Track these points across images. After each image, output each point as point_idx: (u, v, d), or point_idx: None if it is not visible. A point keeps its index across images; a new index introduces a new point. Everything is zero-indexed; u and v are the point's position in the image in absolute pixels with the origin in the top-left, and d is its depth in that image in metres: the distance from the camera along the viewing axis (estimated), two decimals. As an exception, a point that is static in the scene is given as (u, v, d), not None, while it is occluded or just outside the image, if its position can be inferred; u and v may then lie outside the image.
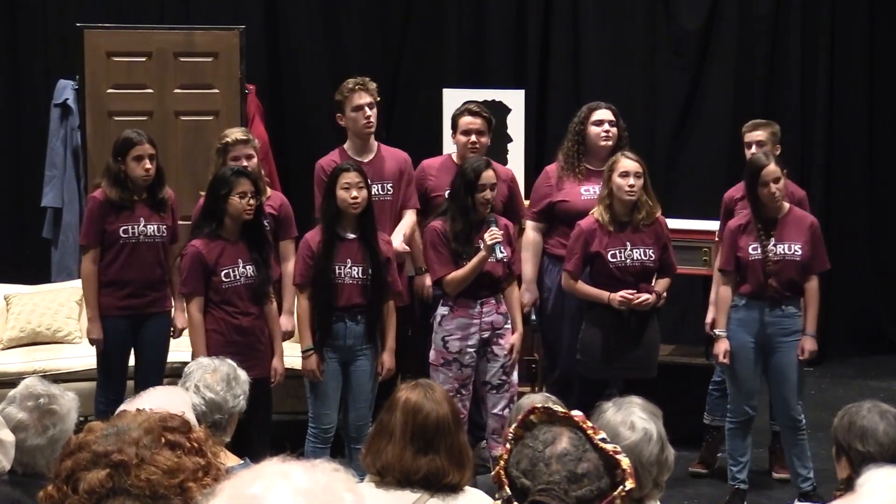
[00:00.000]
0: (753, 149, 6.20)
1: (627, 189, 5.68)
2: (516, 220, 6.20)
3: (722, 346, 5.77)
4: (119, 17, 8.29)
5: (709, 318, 6.33)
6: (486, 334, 5.75)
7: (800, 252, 5.74)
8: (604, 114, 6.25)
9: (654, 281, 5.88)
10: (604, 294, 5.73)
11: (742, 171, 6.46)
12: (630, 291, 5.70)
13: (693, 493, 6.14)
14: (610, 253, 5.73)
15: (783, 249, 5.73)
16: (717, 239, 6.41)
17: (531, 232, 6.28)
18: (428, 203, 6.27)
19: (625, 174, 5.69)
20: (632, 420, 2.96)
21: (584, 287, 5.82)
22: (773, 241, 5.72)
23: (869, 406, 3.63)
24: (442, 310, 5.77)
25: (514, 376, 5.87)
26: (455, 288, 5.71)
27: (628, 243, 5.75)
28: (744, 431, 5.85)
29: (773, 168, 5.70)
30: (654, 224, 5.80)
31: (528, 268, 6.21)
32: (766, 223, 5.74)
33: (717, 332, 5.80)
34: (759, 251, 5.71)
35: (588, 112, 6.28)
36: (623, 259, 5.74)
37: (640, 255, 5.76)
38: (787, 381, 5.79)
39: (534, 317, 6.41)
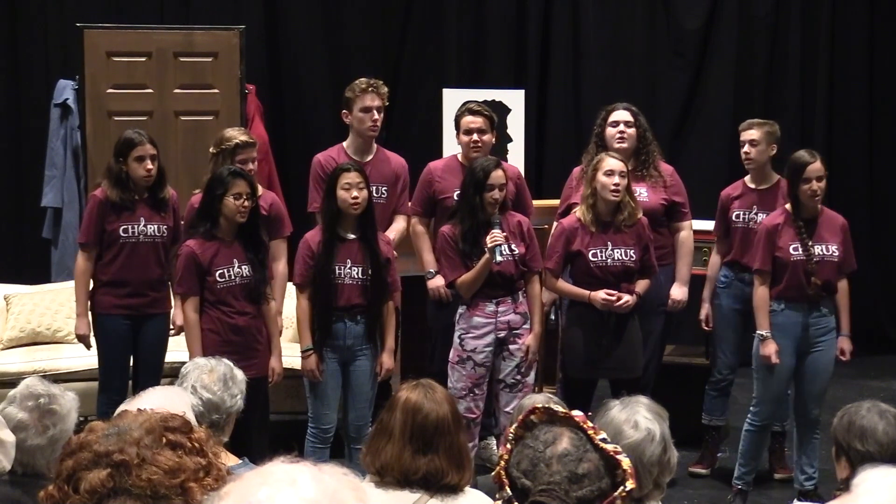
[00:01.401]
0: (747, 148, 6.22)
1: (612, 188, 5.66)
2: (525, 216, 6.19)
3: (772, 348, 5.67)
4: (119, 17, 8.29)
5: (702, 315, 6.31)
6: (502, 334, 5.74)
7: (837, 252, 5.70)
8: (620, 115, 6.23)
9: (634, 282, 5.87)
10: (584, 293, 5.71)
11: (741, 170, 6.47)
12: (611, 292, 5.68)
13: (693, 494, 6.14)
14: (591, 252, 5.71)
15: (822, 250, 5.68)
16: (715, 238, 6.40)
17: None
18: (436, 205, 6.25)
19: (609, 173, 5.67)
20: (636, 419, 2.96)
21: (564, 285, 5.82)
22: (810, 241, 5.68)
23: (868, 406, 3.63)
24: (460, 309, 5.78)
25: (531, 377, 5.85)
26: (467, 290, 5.71)
27: (609, 243, 5.73)
28: (763, 435, 5.84)
29: (818, 166, 5.67)
30: (636, 225, 5.78)
31: None
32: (806, 222, 5.70)
33: (762, 333, 5.71)
34: (801, 251, 5.67)
35: (606, 114, 6.28)
36: (604, 259, 5.72)
37: (620, 255, 5.74)
38: (819, 379, 5.76)
39: (552, 316, 6.40)
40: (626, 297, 5.68)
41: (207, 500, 1.56)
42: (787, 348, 5.70)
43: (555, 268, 5.79)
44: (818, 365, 5.74)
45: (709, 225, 6.71)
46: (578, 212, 5.77)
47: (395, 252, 6.07)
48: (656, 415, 3.00)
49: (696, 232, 6.63)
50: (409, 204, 6.29)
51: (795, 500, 5.70)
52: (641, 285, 5.83)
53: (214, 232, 5.51)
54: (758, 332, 5.76)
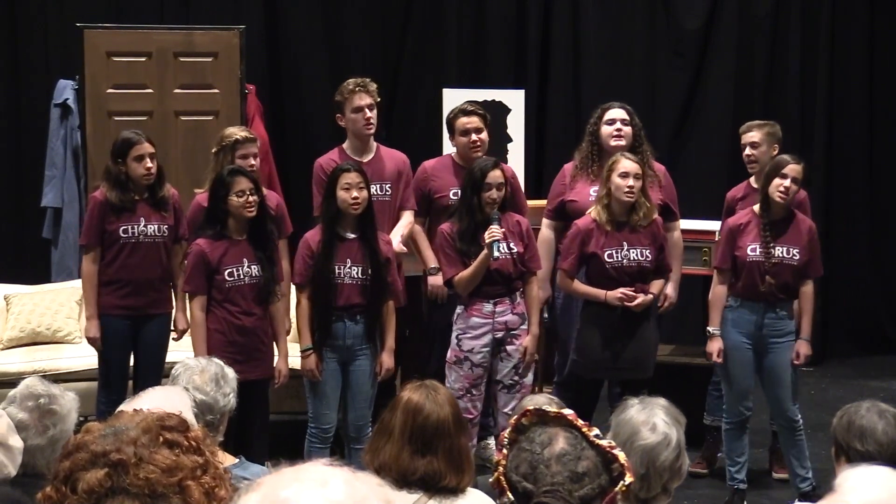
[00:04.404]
0: (748, 150, 6.22)
1: (626, 190, 5.67)
2: (520, 215, 6.19)
3: (715, 345, 5.77)
4: (119, 17, 8.29)
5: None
6: (499, 334, 5.73)
7: (797, 257, 5.74)
8: (616, 113, 6.23)
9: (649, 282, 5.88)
10: (600, 292, 5.72)
11: (741, 170, 6.47)
12: (628, 289, 5.69)
13: (693, 494, 6.14)
14: (606, 253, 5.72)
15: (782, 253, 5.72)
16: (716, 238, 6.40)
17: (545, 230, 6.27)
18: (431, 204, 6.26)
19: (624, 175, 5.68)
20: (654, 422, 2.94)
21: (579, 285, 5.82)
22: (772, 243, 5.71)
23: (868, 406, 3.63)
24: (458, 309, 5.77)
25: (529, 377, 5.85)
26: (464, 288, 5.70)
27: (625, 243, 5.75)
28: (740, 432, 5.86)
29: (799, 168, 5.70)
30: (651, 225, 5.80)
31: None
32: (773, 224, 5.72)
33: (710, 330, 5.80)
34: (759, 252, 5.70)
35: (601, 112, 6.27)
36: (619, 259, 5.73)
37: (636, 255, 5.75)
38: (781, 381, 5.79)
39: (545, 315, 6.41)
40: (641, 297, 5.69)
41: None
42: (743, 343, 5.75)
43: (570, 268, 5.79)
44: (776, 368, 5.78)
45: (708, 225, 6.70)
46: (594, 212, 5.77)
47: (405, 248, 6.08)
48: (674, 419, 2.98)
49: (695, 232, 6.63)
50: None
51: (796, 502, 5.70)
52: (656, 286, 5.85)
53: (224, 232, 5.53)
54: (708, 328, 5.82)
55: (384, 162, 6.22)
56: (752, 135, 6.23)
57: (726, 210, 6.31)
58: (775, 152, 6.22)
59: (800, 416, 5.83)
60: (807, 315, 5.80)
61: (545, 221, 6.30)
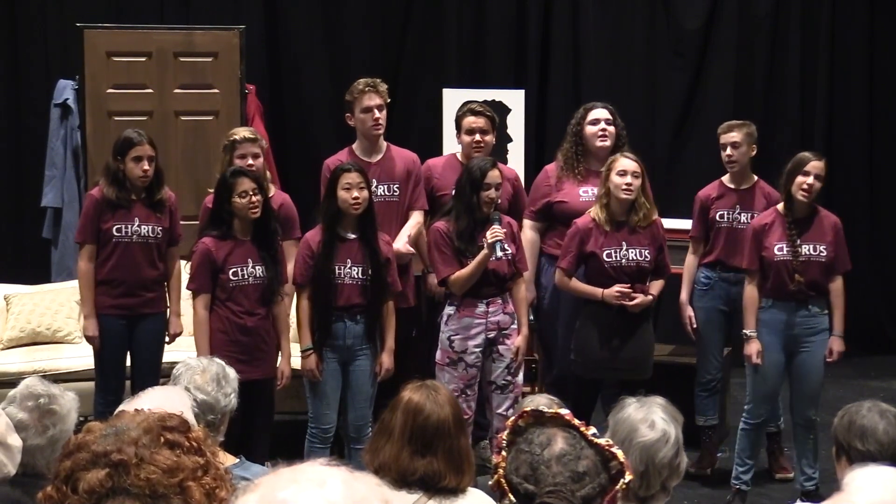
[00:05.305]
0: (729, 150, 6.20)
1: (625, 187, 5.68)
2: (521, 218, 6.19)
3: (754, 347, 5.71)
4: (119, 17, 8.29)
5: (685, 318, 6.30)
6: (492, 334, 5.74)
7: (825, 253, 5.71)
8: (600, 113, 6.24)
9: (648, 282, 5.87)
10: (597, 291, 5.72)
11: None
12: (626, 285, 5.69)
13: (693, 494, 6.14)
14: (605, 252, 5.72)
15: (808, 250, 5.69)
16: (692, 238, 6.38)
17: (529, 231, 6.28)
18: (434, 202, 6.27)
19: (622, 173, 5.69)
20: (653, 419, 2.95)
21: (577, 284, 5.82)
22: (798, 241, 5.68)
23: (869, 405, 3.63)
24: (448, 309, 5.76)
25: (520, 377, 5.86)
26: (460, 287, 5.70)
27: (624, 243, 5.75)
28: (758, 433, 5.84)
29: (821, 164, 5.69)
30: (651, 225, 5.79)
31: None
32: (797, 222, 5.70)
33: (747, 332, 5.74)
34: (786, 251, 5.68)
35: (584, 112, 6.28)
36: (618, 259, 5.73)
37: (635, 255, 5.75)
38: (811, 379, 5.76)
39: (531, 316, 6.42)
40: (639, 297, 5.68)
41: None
42: (774, 345, 5.72)
43: (568, 267, 5.80)
44: (807, 365, 5.75)
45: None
46: (593, 212, 5.78)
47: (412, 248, 6.08)
48: (672, 417, 2.99)
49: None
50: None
51: (798, 501, 5.70)
52: (656, 286, 5.84)
53: (230, 233, 5.53)
54: (744, 330, 5.78)
55: (394, 162, 6.21)
56: (734, 135, 6.22)
57: (700, 210, 6.29)
58: (753, 153, 6.23)
59: (818, 416, 5.81)
60: (838, 311, 5.76)
61: (528, 223, 6.30)
